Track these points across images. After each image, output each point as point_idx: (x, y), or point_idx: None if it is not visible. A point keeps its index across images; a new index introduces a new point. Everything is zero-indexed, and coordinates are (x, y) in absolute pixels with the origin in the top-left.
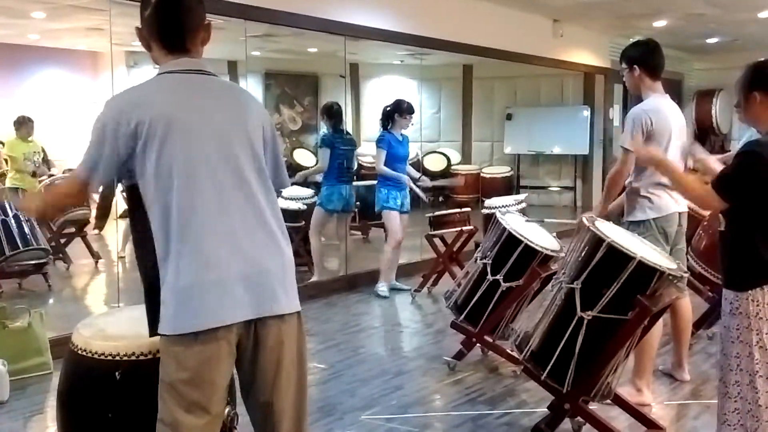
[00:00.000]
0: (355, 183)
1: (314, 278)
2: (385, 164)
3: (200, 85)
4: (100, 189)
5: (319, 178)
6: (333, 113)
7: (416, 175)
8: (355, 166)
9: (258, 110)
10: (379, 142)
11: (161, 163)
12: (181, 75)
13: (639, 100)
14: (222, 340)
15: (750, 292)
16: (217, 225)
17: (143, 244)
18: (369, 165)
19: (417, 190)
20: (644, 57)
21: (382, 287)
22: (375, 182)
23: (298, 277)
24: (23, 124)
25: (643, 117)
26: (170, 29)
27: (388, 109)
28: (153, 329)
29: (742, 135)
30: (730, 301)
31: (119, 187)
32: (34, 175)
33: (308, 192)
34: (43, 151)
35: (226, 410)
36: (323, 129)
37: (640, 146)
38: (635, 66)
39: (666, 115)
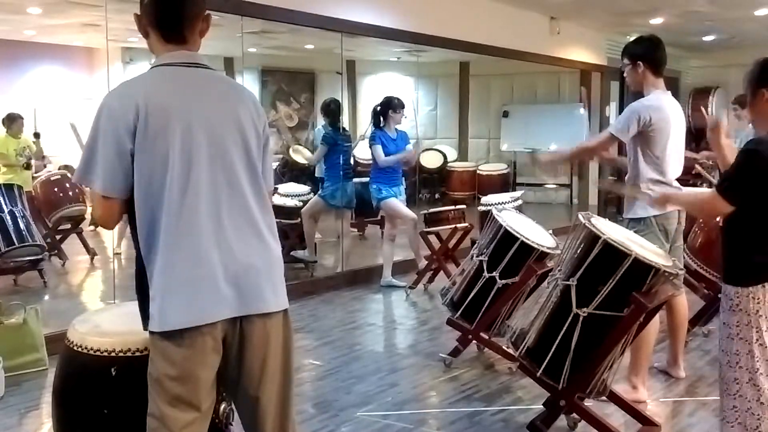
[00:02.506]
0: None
1: (304, 253)
2: (379, 164)
3: (196, 79)
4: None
5: (318, 173)
6: (330, 111)
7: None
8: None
9: (253, 106)
10: (372, 139)
11: (155, 157)
12: (177, 68)
13: (638, 97)
14: (207, 336)
15: (751, 288)
16: (206, 222)
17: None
18: (365, 162)
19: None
20: (648, 53)
21: (390, 279)
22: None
23: (294, 274)
24: (14, 122)
25: (642, 113)
26: (168, 17)
27: (379, 108)
28: (145, 324)
29: (738, 134)
30: (730, 297)
31: None
32: (28, 167)
33: (304, 189)
34: (37, 146)
35: (222, 406)
36: (319, 126)
37: (656, 196)
38: (639, 62)
39: (667, 112)
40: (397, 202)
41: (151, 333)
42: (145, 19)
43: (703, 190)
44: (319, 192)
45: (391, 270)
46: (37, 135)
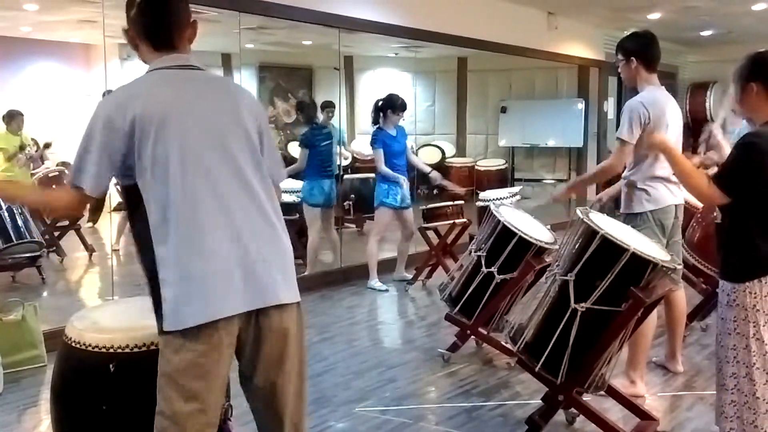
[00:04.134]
0: (348, 176)
1: (306, 272)
2: (379, 170)
3: (192, 79)
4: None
5: None
6: (303, 106)
7: (427, 169)
8: (338, 161)
9: (251, 102)
10: (374, 142)
11: (157, 158)
12: (172, 71)
13: (634, 92)
14: (222, 330)
15: (747, 284)
16: (216, 217)
17: (145, 242)
18: (363, 158)
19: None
20: (641, 49)
21: (375, 282)
22: (370, 175)
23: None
24: (13, 118)
25: (640, 109)
26: (157, 27)
27: (381, 104)
28: (161, 326)
29: (733, 129)
30: (727, 292)
31: (113, 181)
32: (22, 148)
33: (296, 182)
34: (36, 143)
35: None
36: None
37: (651, 133)
38: (632, 58)
39: (662, 107)
40: (387, 215)
41: (166, 331)
42: (133, 32)
43: (704, 175)
44: (301, 197)
45: (404, 265)
46: (47, 145)
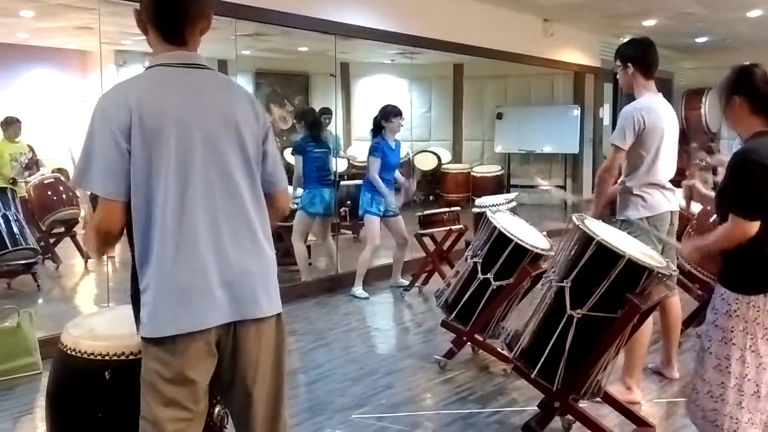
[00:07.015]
0: (345, 182)
1: (301, 279)
2: (368, 177)
3: (193, 80)
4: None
5: None
6: (313, 121)
7: (401, 179)
8: (334, 169)
9: (251, 107)
10: (374, 150)
11: (151, 160)
12: (175, 68)
13: (630, 98)
14: (200, 341)
15: (752, 297)
16: (202, 227)
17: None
18: (360, 164)
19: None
20: (639, 55)
21: (358, 290)
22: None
23: (288, 276)
24: (11, 125)
25: (635, 115)
26: (169, 18)
27: (376, 118)
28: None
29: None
30: (728, 302)
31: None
32: (14, 182)
33: (299, 191)
34: (32, 150)
35: (216, 409)
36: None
37: (685, 248)
38: (629, 64)
39: (659, 114)
40: (375, 222)
41: (144, 338)
42: (144, 16)
43: (721, 228)
44: (297, 204)
45: (401, 272)
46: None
